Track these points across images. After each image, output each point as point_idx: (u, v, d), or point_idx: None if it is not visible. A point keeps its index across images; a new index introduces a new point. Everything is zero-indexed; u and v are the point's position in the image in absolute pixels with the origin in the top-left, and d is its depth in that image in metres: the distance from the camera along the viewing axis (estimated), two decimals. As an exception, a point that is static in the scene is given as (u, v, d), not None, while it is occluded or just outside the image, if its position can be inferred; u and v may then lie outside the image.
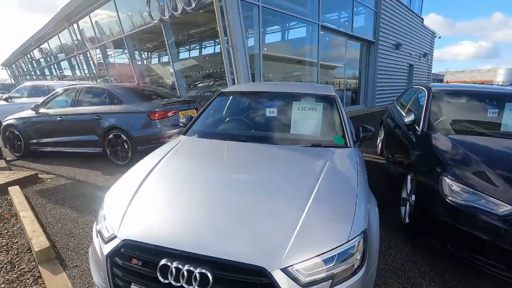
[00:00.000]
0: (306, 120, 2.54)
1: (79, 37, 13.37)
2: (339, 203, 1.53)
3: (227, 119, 2.84)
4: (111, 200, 1.63)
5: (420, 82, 19.80)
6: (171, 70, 8.78)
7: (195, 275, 1.18)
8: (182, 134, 2.56)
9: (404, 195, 2.92)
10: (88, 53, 13.64)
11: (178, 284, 1.20)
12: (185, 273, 1.19)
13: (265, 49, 9.73)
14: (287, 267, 1.19)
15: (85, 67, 14.28)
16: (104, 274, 1.38)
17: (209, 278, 1.18)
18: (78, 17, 12.22)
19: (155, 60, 11.97)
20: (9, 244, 2.51)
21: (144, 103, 4.73)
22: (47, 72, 21.12)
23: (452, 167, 2.27)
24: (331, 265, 1.25)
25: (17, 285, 2.01)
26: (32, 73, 24.73)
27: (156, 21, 7.91)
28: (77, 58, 14.59)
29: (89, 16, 11.60)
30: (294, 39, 10.04)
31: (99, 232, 1.51)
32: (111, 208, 1.56)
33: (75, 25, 13.13)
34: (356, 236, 1.34)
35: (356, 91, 13.63)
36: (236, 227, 1.36)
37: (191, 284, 1.18)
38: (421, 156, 2.74)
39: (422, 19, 17.81)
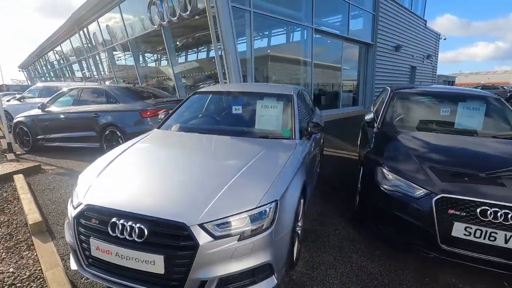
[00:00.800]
0: (263, 116, 2.89)
1: (88, 41, 14.09)
2: (260, 178, 1.88)
3: (198, 115, 3.23)
4: (82, 179, 2.04)
5: (425, 84, 19.83)
6: (171, 73, 9.25)
7: (135, 229, 1.56)
8: (156, 128, 2.97)
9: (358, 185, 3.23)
10: (96, 56, 14.34)
11: (122, 236, 1.58)
12: (128, 228, 1.57)
13: (269, 51, 10.13)
14: (203, 223, 1.56)
15: (94, 69, 15.00)
16: (72, 232, 1.77)
17: (145, 232, 1.55)
18: (87, 22, 12.93)
19: (157, 63, 12.52)
20: (9, 220, 2.96)
21: (138, 102, 5.17)
22: (60, 74, 22.14)
23: (388, 159, 2.58)
24: (243, 224, 1.61)
25: (14, 250, 2.44)
26: (47, 74, 25.89)
27: (156, 26, 8.40)
28: (87, 61, 15.33)
29: (97, 21, 12.26)
30: (289, 42, 10.38)
31: (72, 204, 1.91)
32: (80, 183, 1.96)
33: (85, 29, 13.86)
34: (267, 204, 1.69)
35: (356, 92, 13.84)
36: (170, 194, 1.74)
37: (132, 236, 1.56)
38: (370, 150, 3.05)
39: (425, 21, 17.84)
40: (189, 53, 10.56)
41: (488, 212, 1.94)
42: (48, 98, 6.18)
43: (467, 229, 1.99)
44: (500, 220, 1.92)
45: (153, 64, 12.64)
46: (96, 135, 5.21)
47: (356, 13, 11.92)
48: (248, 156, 2.12)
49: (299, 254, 2.32)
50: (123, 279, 1.61)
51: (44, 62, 24.83)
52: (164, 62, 10.23)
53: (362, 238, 2.66)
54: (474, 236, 1.99)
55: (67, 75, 20.69)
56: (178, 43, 9.28)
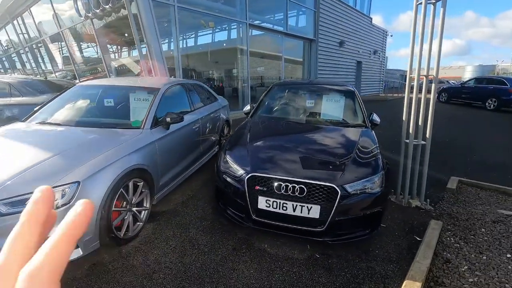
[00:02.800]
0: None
1: (23, 31, 13.25)
2: (72, 162, 2.10)
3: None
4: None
5: (372, 78, 21.06)
6: (105, 67, 9.08)
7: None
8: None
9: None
10: (33, 47, 13.54)
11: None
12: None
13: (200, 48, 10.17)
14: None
15: (32, 61, 14.16)
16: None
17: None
18: (19, 10, 12.14)
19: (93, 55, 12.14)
20: None
21: (41, 95, 5.12)
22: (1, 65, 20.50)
23: (231, 145, 2.91)
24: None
25: None
26: None
27: (83, 18, 8.18)
28: (25, 53, 14.42)
29: (30, 11, 11.58)
30: (224, 37, 10.60)
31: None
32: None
33: (19, 19, 13.01)
34: (65, 184, 1.91)
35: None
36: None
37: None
38: (230, 138, 3.38)
39: (371, 18, 18.89)
40: (123, 50, 10.37)
41: (281, 186, 2.33)
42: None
43: (267, 201, 2.37)
44: (289, 192, 2.31)
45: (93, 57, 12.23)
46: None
47: (296, 10, 12.38)
48: (81, 145, 2.33)
49: (139, 231, 2.59)
50: None
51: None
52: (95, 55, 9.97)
53: (214, 216, 2.98)
54: (272, 207, 2.37)
55: (7, 66, 19.23)
56: (111, 35, 9.09)
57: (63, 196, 1.91)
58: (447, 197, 3.67)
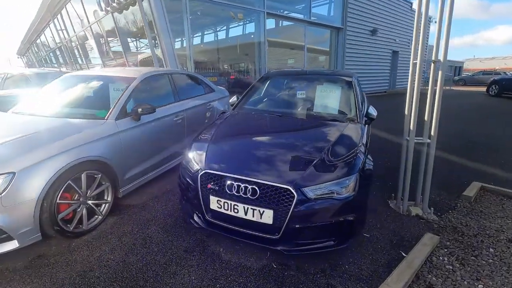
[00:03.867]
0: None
1: (63, 27, 14.25)
2: (12, 153, 2.05)
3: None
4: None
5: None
6: (125, 60, 9.37)
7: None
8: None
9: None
10: (72, 42, 14.52)
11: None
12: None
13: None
14: None
15: (71, 55, 15.23)
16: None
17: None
18: (57, 8, 13.04)
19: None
20: None
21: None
22: (53, 60, 22.35)
23: (196, 139, 2.70)
24: None
25: None
26: (38, 60, 26.22)
27: (104, 12, 8.47)
28: (67, 47, 15.54)
29: (65, 8, 12.37)
30: (242, 29, 10.31)
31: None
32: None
33: (58, 16, 14.00)
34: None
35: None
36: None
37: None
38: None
39: (411, 3, 17.21)
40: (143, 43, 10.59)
41: (233, 186, 2.07)
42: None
43: (218, 202, 2.13)
44: (241, 193, 2.05)
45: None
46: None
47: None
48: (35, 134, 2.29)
49: (97, 225, 2.52)
50: None
51: (35, 49, 25.14)
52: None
53: (181, 214, 2.82)
54: (224, 208, 2.13)
55: (55, 62, 20.96)
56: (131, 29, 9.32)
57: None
58: (461, 206, 3.10)
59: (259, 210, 2.01)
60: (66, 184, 2.20)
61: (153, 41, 7.06)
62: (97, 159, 2.44)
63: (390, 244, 2.42)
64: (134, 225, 2.61)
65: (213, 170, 2.18)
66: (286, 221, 1.96)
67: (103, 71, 3.68)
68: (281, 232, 2.00)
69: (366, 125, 3.02)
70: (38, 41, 22.47)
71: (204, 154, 2.37)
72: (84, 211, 2.41)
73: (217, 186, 2.15)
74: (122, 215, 2.77)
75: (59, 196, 2.16)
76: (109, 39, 10.85)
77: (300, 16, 11.17)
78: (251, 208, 2.03)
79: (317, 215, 1.99)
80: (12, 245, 1.96)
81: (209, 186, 2.18)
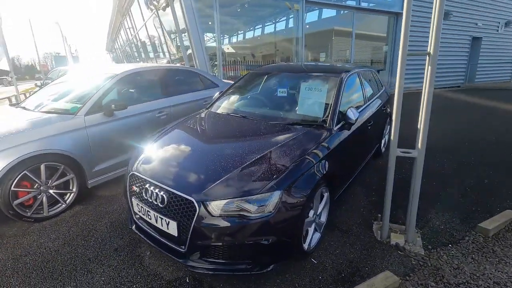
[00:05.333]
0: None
1: (130, 26, 15.90)
2: None
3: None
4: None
5: (500, 60, 15.91)
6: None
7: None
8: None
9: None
10: (136, 39, 16.13)
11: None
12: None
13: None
14: None
15: (136, 51, 16.96)
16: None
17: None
18: (125, 8, 14.57)
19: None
20: None
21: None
22: (137, 55, 24.88)
23: (146, 139, 2.64)
24: None
25: None
26: (124, 56, 29.67)
27: (149, 10, 9.11)
28: (134, 44, 17.36)
29: (130, 9, 13.74)
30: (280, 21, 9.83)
31: None
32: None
33: (127, 16, 15.66)
34: None
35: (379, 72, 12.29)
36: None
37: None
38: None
39: (500, -22, 14.04)
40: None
41: (148, 191, 1.98)
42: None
43: (138, 205, 2.07)
44: (153, 200, 1.94)
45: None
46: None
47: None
48: None
49: (61, 212, 2.73)
50: None
51: (120, 44, 28.50)
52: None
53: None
54: (141, 213, 2.05)
55: (143, 56, 23.40)
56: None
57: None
58: (468, 241, 2.41)
59: (165, 220, 1.87)
60: (21, 174, 2.42)
61: (183, 37, 7.30)
62: (58, 152, 2.62)
63: (335, 277, 2.01)
64: (91, 216, 2.75)
65: (138, 173, 2.12)
66: (189, 236, 1.79)
67: (97, 69, 3.90)
68: (186, 247, 1.83)
69: (345, 131, 2.56)
70: (119, 37, 25.53)
71: (140, 155, 2.32)
72: (44, 199, 2.62)
73: (138, 189, 2.08)
74: (88, 205, 2.94)
75: (13, 184, 2.38)
76: (154, 36, 11.69)
77: (352, 3, 10.15)
78: (159, 217, 1.91)
79: (224, 233, 1.75)
80: (-32, 223, 2.25)
81: (133, 188, 2.13)
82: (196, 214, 1.74)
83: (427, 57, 2.15)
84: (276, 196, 1.77)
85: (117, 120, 3.12)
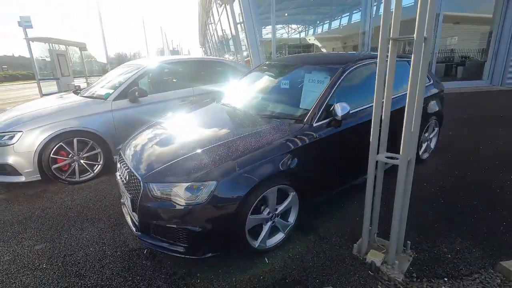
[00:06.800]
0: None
1: (212, 21, 17.24)
2: None
3: None
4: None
5: None
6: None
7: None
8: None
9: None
10: (218, 34, 17.39)
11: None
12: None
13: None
14: None
15: (219, 46, 18.30)
16: None
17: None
18: (207, 5, 15.83)
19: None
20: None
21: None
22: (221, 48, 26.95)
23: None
24: None
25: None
26: (213, 49, 32.20)
27: (222, 5, 9.70)
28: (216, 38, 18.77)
29: (211, 6, 14.85)
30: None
31: None
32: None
33: (209, 13, 17.02)
34: (12, 131, 2.90)
35: (481, 59, 10.04)
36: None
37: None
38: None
39: None
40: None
41: (122, 168, 2.26)
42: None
43: (119, 179, 2.38)
44: (122, 176, 2.21)
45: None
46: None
47: None
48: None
49: (88, 179, 3.33)
50: None
51: (208, 39, 31.15)
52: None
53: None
54: (120, 187, 2.35)
55: (232, 50, 25.28)
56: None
57: (11, 138, 2.89)
58: (477, 279, 1.89)
59: (127, 195, 2.11)
60: (57, 145, 3.06)
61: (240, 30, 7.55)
62: (87, 130, 3.20)
63: (278, 281, 1.89)
64: (109, 186, 3.26)
65: (121, 151, 2.43)
66: (137, 211, 1.97)
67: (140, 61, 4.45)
68: (138, 221, 2.03)
69: (331, 128, 2.31)
70: (208, 33, 27.95)
71: (129, 138, 2.63)
72: (76, 167, 3.25)
73: (119, 165, 2.39)
74: (111, 176, 3.48)
75: (52, 152, 3.05)
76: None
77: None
78: (123, 192, 2.16)
79: (159, 215, 1.87)
80: (21, 178, 3.00)
81: (117, 164, 2.45)
82: (141, 192, 1.91)
83: (421, 43, 1.72)
84: (210, 186, 1.78)
85: (141, 106, 3.57)
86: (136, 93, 3.44)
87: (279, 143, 2.07)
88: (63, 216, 2.68)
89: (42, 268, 2.05)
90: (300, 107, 2.48)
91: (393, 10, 1.67)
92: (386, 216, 2.11)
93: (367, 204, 2.05)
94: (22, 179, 3.03)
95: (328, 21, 13.41)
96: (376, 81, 1.80)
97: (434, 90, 3.54)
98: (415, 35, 1.61)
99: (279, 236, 2.21)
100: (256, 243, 2.05)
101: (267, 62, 3.52)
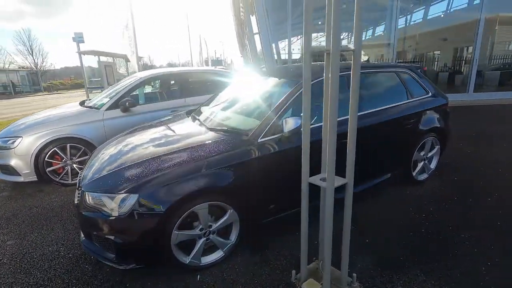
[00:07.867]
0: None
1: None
2: None
3: None
4: None
5: None
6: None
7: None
8: None
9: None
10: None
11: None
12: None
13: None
14: None
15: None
16: None
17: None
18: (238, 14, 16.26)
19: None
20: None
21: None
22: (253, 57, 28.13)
23: None
24: None
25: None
26: (249, 59, 33.42)
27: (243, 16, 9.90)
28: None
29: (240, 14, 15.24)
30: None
31: None
32: None
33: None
34: (13, 137, 3.29)
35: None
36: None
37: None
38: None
39: None
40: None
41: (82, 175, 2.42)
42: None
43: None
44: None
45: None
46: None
47: None
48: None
49: (78, 182, 3.62)
50: None
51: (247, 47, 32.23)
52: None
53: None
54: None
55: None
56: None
57: (13, 142, 3.28)
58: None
59: (78, 199, 2.23)
60: (52, 150, 3.38)
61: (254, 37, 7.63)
62: (78, 136, 3.48)
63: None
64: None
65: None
66: (77, 216, 2.09)
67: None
68: (82, 226, 2.15)
69: (281, 144, 2.20)
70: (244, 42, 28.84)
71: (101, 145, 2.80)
72: (69, 170, 3.55)
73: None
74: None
75: (47, 156, 3.37)
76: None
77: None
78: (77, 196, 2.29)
79: (88, 222, 1.96)
80: (20, 178, 3.37)
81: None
82: (82, 200, 2.02)
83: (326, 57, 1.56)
84: (132, 199, 1.82)
85: (132, 115, 3.78)
86: (127, 103, 3.67)
87: (216, 158, 2.03)
88: (43, 216, 2.94)
89: (2, 262, 2.26)
90: (246, 121, 2.41)
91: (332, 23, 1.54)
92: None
93: (303, 226, 1.90)
94: (21, 179, 3.41)
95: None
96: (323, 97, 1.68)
97: (432, 104, 3.16)
98: (331, 47, 1.47)
99: (218, 254, 2.15)
100: (187, 259, 2.02)
101: (247, 74, 3.50)
